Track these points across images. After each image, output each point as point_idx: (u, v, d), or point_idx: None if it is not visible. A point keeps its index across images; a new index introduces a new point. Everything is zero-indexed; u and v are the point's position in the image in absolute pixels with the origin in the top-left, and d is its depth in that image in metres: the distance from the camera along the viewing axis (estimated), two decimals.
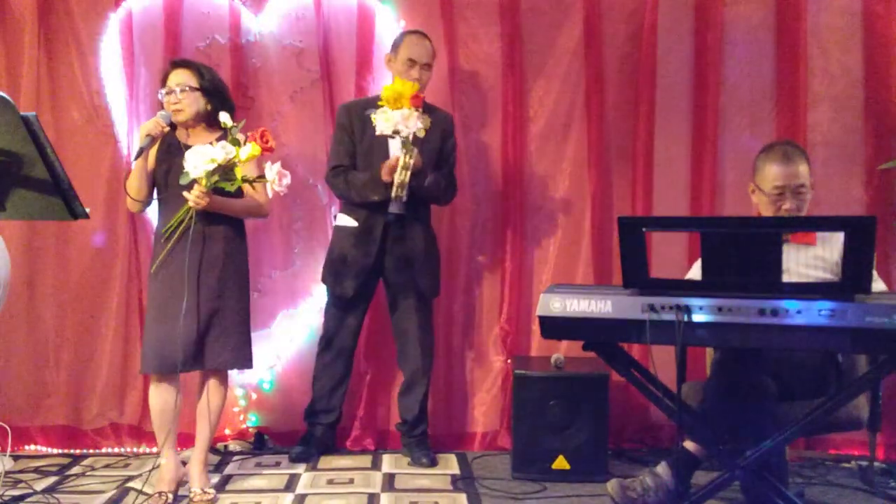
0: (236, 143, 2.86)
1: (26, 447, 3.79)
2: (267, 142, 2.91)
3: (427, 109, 3.49)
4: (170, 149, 3.05)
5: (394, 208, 3.43)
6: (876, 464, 3.49)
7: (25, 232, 3.73)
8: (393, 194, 3.33)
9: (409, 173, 3.28)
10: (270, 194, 2.93)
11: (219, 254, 3.04)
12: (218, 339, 3.02)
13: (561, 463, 3.35)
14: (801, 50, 3.74)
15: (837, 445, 3.71)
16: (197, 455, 3.13)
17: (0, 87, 3.62)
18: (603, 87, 3.86)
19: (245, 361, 3.13)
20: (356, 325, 3.63)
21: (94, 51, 3.77)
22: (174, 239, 2.96)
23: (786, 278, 2.76)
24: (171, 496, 3.03)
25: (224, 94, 3.18)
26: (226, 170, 2.84)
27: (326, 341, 3.64)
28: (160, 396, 3.04)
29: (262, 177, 2.93)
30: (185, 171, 2.82)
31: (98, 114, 3.78)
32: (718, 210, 3.81)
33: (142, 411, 3.75)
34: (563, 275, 3.89)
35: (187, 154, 2.82)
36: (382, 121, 3.09)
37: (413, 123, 3.07)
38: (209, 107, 3.10)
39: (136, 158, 2.97)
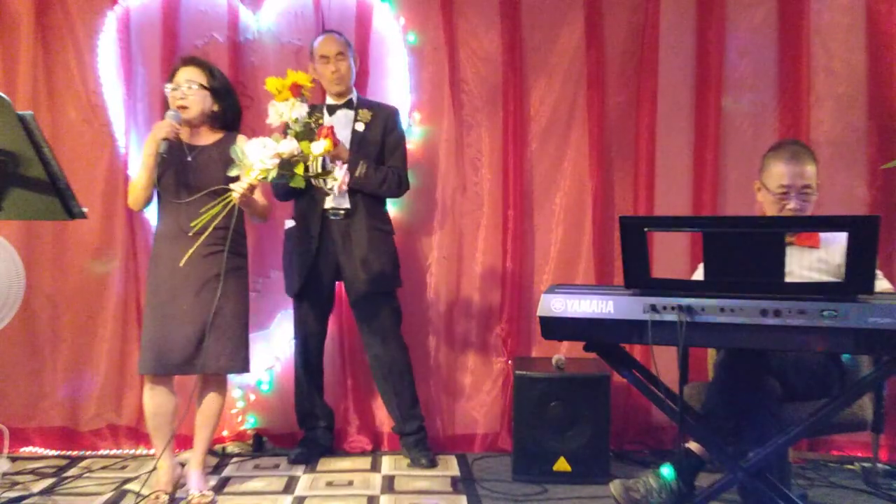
0: (297, 137, 2.80)
1: (23, 449, 3.77)
2: (335, 137, 2.89)
3: (369, 104, 3.57)
4: (173, 149, 3.00)
5: (329, 203, 3.43)
6: (879, 465, 3.47)
7: (23, 232, 3.71)
8: (316, 186, 3.18)
9: (318, 163, 3.17)
10: (337, 193, 2.88)
11: (222, 256, 3.00)
12: (216, 342, 2.99)
13: (562, 465, 3.33)
14: (803, 48, 3.73)
15: (840, 447, 3.69)
16: (195, 457, 3.11)
17: None
18: (604, 86, 3.84)
19: (242, 366, 3.10)
20: (319, 328, 3.64)
21: (91, 49, 3.75)
22: (205, 235, 2.89)
23: (788, 280, 2.74)
24: (167, 497, 3.01)
25: (233, 97, 3.16)
26: (285, 165, 2.78)
27: (297, 349, 3.68)
28: (154, 399, 3.03)
29: (329, 172, 2.87)
30: (235, 164, 2.77)
31: (95, 113, 3.77)
32: (721, 209, 3.79)
33: (139, 412, 3.72)
34: (563, 275, 3.87)
35: (246, 146, 2.76)
36: (273, 113, 3.05)
37: (298, 111, 2.99)
38: (216, 107, 3.08)
39: (153, 165, 2.93)
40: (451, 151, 3.86)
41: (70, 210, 2.48)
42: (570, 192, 3.89)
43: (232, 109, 3.15)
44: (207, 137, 3.10)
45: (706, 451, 2.64)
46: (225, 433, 3.79)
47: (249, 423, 3.83)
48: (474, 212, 3.91)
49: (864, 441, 3.59)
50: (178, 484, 3.10)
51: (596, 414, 3.33)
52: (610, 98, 3.86)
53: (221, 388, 3.14)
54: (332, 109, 3.57)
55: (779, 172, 2.82)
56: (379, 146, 3.53)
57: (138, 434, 3.76)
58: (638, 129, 3.83)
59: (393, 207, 3.75)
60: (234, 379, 3.70)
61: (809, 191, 2.80)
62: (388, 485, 3.33)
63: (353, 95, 3.59)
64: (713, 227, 2.38)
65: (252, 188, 2.83)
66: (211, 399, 3.10)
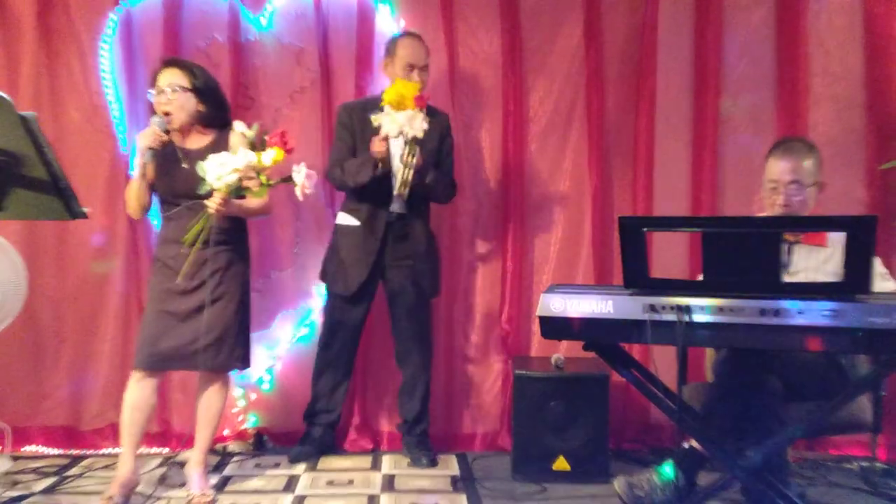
0: (254, 147, 2.80)
1: (25, 447, 3.78)
2: (286, 143, 2.85)
3: (427, 110, 3.47)
4: (166, 155, 2.99)
5: (395, 207, 3.39)
6: (877, 464, 3.47)
7: (25, 232, 3.72)
8: (396, 191, 3.32)
9: (412, 172, 3.28)
10: (301, 197, 2.87)
11: (223, 255, 3.01)
12: (214, 339, 2.99)
13: (561, 464, 3.34)
14: (801, 49, 3.74)
15: (839, 446, 3.69)
16: (196, 456, 3.12)
17: None
18: (603, 87, 3.85)
19: (241, 363, 3.11)
20: (358, 323, 3.62)
21: (93, 50, 3.76)
22: (196, 247, 2.89)
23: (796, 280, 2.74)
24: (121, 500, 2.96)
25: (218, 94, 3.12)
26: (247, 176, 2.79)
27: (327, 340, 3.63)
28: (137, 392, 3.00)
29: (288, 178, 2.86)
30: (204, 181, 2.77)
31: (97, 113, 3.77)
32: (719, 210, 3.80)
33: None
34: (563, 275, 3.88)
35: (206, 164, 2.76)
36: (388, 122, 3.08)
37: (418, 125, 3.05)
38: (202, 107, 3.04)
39: (142, 175, 2.93)
40: None
41: (72, 210, 2.49)
42: (569, 193, 3.90)
43: (219, 107, 3.10)
44: (200, 140, 3.07)
45: (705, 450, 2.65)
46: (226, 432, 3.79)
47: (250, 422, 3.84)
48: (474, 211, 3.91)
49: (862, 440, 3.59)
50: (134, 489, 3.05)
51: (595, 413, 3.33)
52: (609, 99, 3.86)
53: (223, 387, 3.13)
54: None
55: (769, 168, 2.83)
56: (436, 152, 3.52)
57: None
58: (637, 129, 3.84)
59: None
60: (234, 378, 3.74)
61: (797, 186, 2.77)
62: (389, 484, 3.34)
63: None
64: (711, 228, 2.39)
65: (225, 202, 2.82)
66: (212, 398, 3.10)
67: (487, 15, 3.86)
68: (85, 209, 2.54)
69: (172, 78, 2.99)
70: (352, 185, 3.45)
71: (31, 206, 2.47)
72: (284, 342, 3.88)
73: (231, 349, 3.05)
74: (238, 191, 2.82)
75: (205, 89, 3.04)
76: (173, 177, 3.00)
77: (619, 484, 2.83)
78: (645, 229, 2.41)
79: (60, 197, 2.44)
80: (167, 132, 2.98)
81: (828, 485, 3.32)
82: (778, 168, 2.80)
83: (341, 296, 3.56)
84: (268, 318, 3.86)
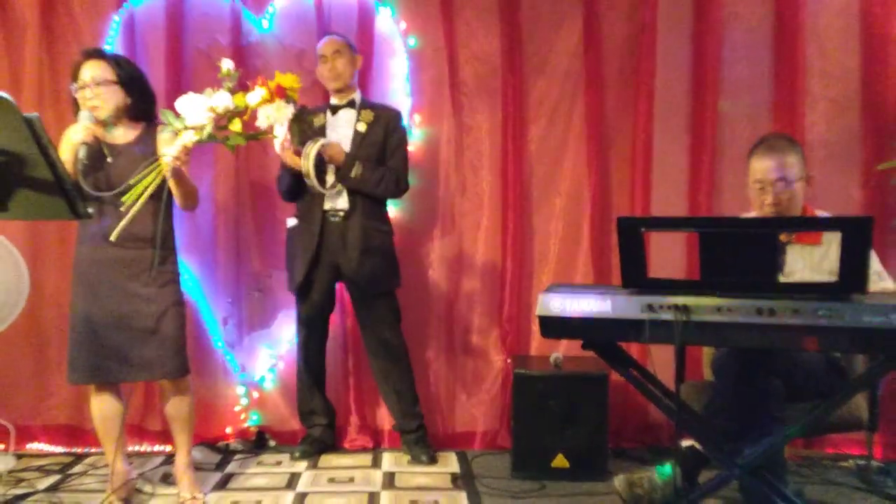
0: (231, 91, 2.67)
1: (29, 445, 3.81)
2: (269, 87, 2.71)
3: (372, 106, 3.62)
4: (91, 151, 2.80)
5: (329, 203, 3.50)
6: (874, 462, 3.49)
7: (27, 231, 3.74)
8: (309, 186, 3.39)
9: (310, 162, 3.33)
10: (280, 150, 2.86)
11: (149, 256, 2.87)
12: (150, 350, 2.87)
13: (560, 461, 3.36)
14: (799, 50, 3.75)
15: (836, 444, 3.71)
16: (180, 460, 3.06)
17: (2, 87, 3.61)
18: (602, 88, 3.86)
19: (181, 370, 2.96)
20: (320, 328, 3.69)
21: None
22: (138, 205, 2.71)
23: (791, 280, 2.76)
24: (120, 503, 2.98)
25: (144, 85, 2.99)
26: (218, 124, 2.63)
27: (299, 346, 3.72)
28: (100, 404, 2.96)
29: (264, 133, 2.73)
30: (168, 123, 2.63)
31: None
32: (716, 210, 3.81)
33: (143, 410, 3.78)
34: (562, 274, 3.90)
35: (177, 104, 2.62)
36: (261, 117, 3.00)
37: (284, 113, 2.96)
38: (129, 100, 2.92)
39: (82, 170, 2.71)
40: (451, 153, 3.89)
41: (76, 210, 2.50)
42: (568, 193, 3.91)
43: (145, 98, 2.97)
44: (126, 134, 2.94)
45: (703, 448, 2.67)
46: (228, 430, 3.83)
47: (252, 421, 3.86)
48: (474, 212, 3.93)
49: (858, 439, 3.59)
50: (133, 489, 3.08)
51: (594, 412, 3.35)
52: (608, 100, 3.87)
53: (186, 391, 3.02)
54: (334, 109, 3.60)
55: (752, 168, 2.81)
56: (380, 147, 3.55)
57: (142, 431, 3.79)
58: (635, 130, 3.85)
59: (394, 208, 3.78)
60: (236, 376, 3.79)
61: (784, 184, 2.74)
62: (389, 481, 3.36)
63: (357, 96, 3.62)
64: (709, 228, 2.40)
65: (187, 151, 2.64)
66: (179, 403, 3.01)
67: (487, 16, 3.87)
68: (89, 209, 2.55)
69: (96, 71, 2.86)
70: (283, 193, 3.60)
71: (36, 206, 2.46)
72: (286, 341, 3.90)
73: (173, 357, 2.91)
74: (210, 138, 2.63)
75: (130, 81, 2.92)
76: (99, 173, 2.85)
77: (619, 482, 2.83)
78: (643, 229, 2.41)
79: (65, 197, 2.45)
80: (96, 125, 2.86)
81: (824, 483, 3.33)
82: (762, 167, 2.77)
83: (297, 297, 3.63)
84: (268, 317, 3.89)
